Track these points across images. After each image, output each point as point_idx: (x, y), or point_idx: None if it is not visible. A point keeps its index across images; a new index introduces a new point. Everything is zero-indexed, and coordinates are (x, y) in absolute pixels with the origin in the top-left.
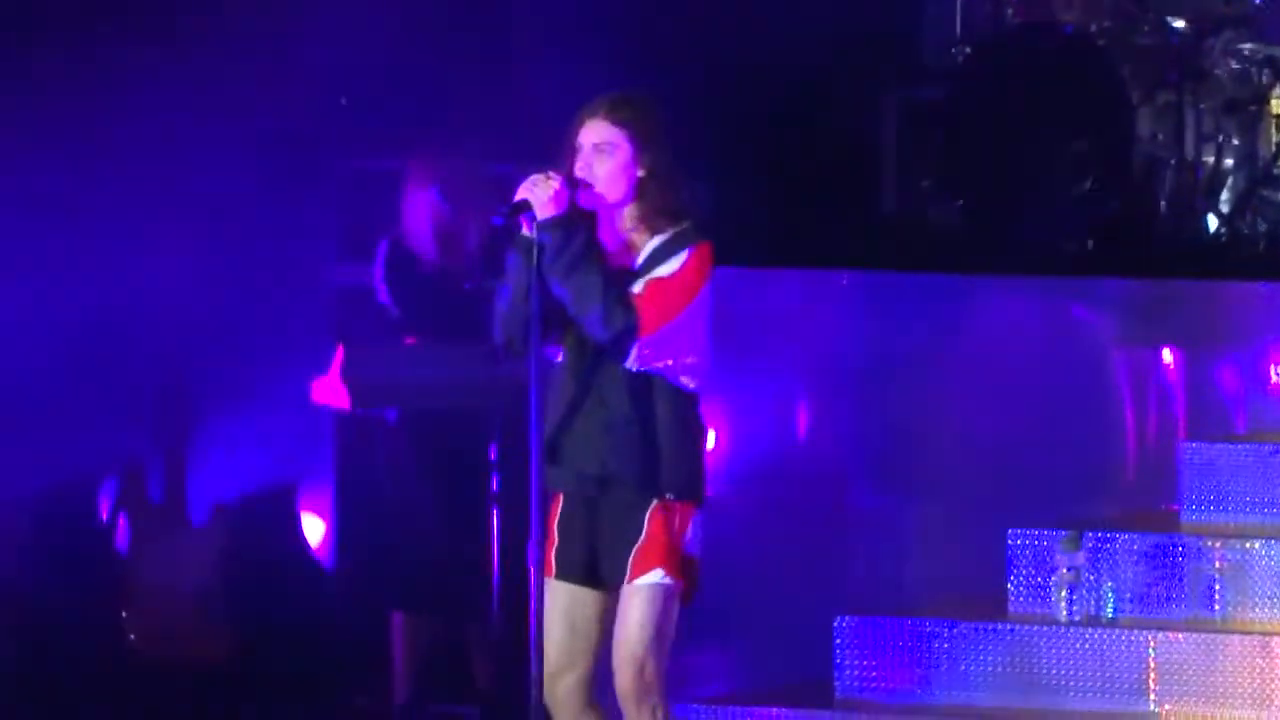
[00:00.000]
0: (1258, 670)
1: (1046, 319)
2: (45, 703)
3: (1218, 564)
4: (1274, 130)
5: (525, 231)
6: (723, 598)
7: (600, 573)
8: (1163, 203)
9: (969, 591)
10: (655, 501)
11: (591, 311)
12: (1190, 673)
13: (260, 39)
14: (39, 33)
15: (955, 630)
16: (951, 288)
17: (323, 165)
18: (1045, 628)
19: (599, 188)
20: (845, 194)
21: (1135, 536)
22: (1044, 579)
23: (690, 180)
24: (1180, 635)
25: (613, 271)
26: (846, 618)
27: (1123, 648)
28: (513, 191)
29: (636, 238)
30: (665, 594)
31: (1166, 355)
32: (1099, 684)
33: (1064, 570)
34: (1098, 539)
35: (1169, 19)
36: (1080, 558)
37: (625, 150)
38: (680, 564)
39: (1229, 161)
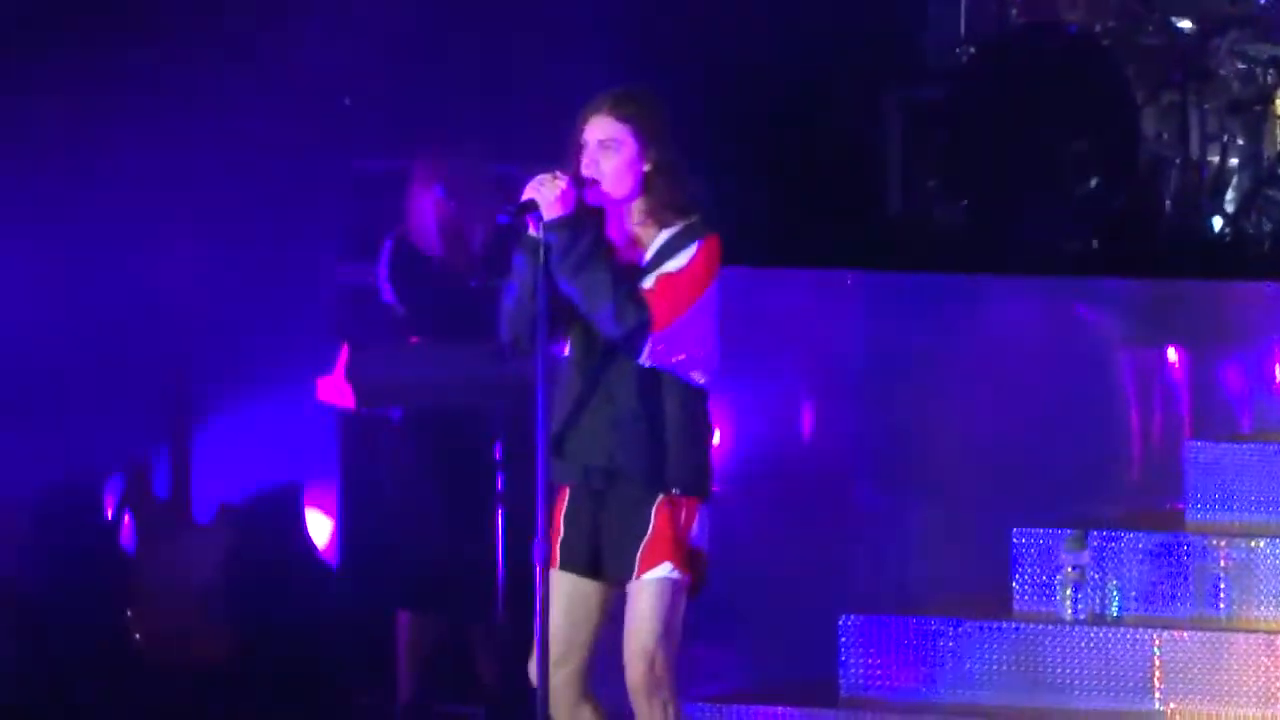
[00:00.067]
0: (1262, 669)
1: (1051, 319)
2: (49, 701)
3: (1223, 563)
4: (1279, 130)
5: (531, 231)
6: (727, 597)
7: (603, 566)
8: (1167, 203)
9: (974, 590)
10: (661, 496)
11: (603, 309)
12: (1195, 671)
13: (263, 38)
14: (41, 33)
15: (960, 629)
16: (956, 287)
17: (326, 165)
18: (1050, 626)
19: (605, 184)
20: (849, 194)
21: (1140, 535)
22: (1049, 578)
23: (695, 176)
24: (1185, 634)
25: (622, 267)
26: (851, 616)
27: (1128, 646)
28: (518, 190)
29: (644, 233)
30: (674, 588)
31: (1171, 354)
32: (1104, 683)
33: (1069, 569)
34: (1103, 538)
35: (1174, 19)
36: (1085, 557)
37: (630, 146)
38: (687, 557)
39: (1234, 161)
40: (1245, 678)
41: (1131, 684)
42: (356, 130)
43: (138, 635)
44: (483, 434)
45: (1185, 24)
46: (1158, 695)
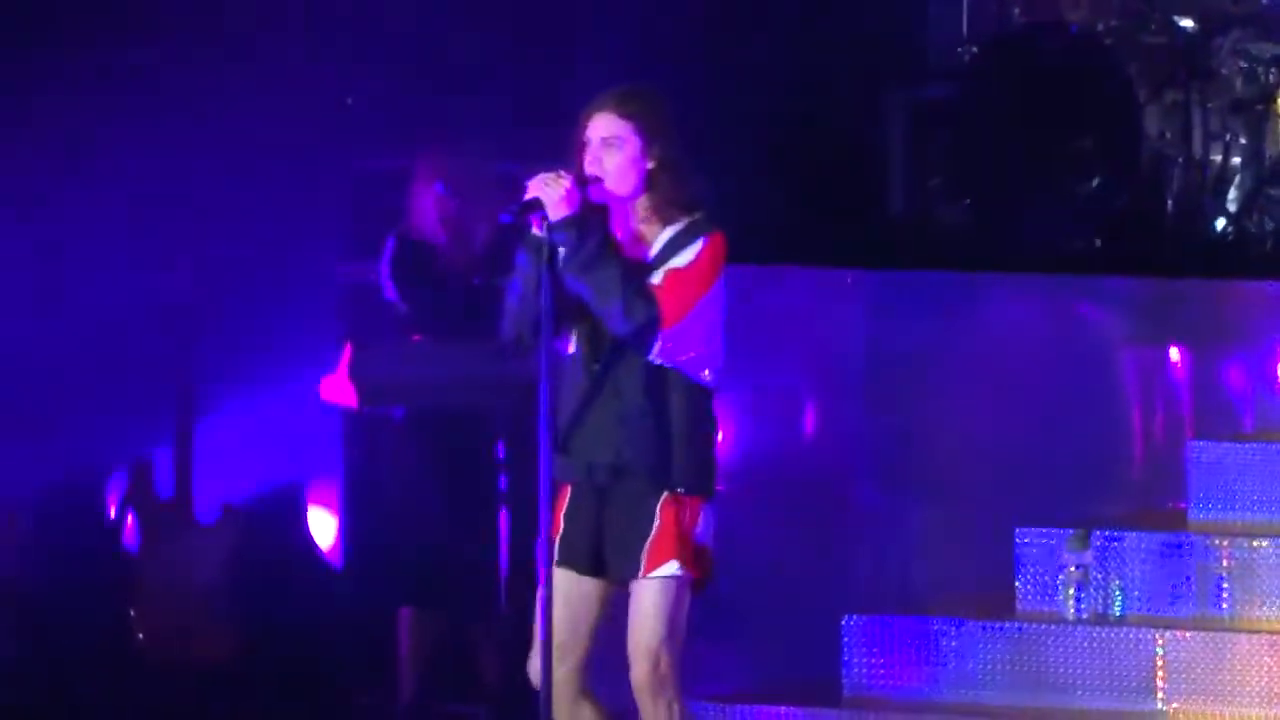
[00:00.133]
0: (1265, 668)
1: (1053, 318)
2: (51, 700)
3: (1225, 562)
4: None
5: (535, 230)
6: (730, 596)
7: (604, 563)
8: (1170, 201)
9: (976, 590)
10: (666, 494)
11: (612, 306)
12: (1198, 671)
13: (263, 38)
14: (42, 32)
15: (963, 629)
16: (958, 286)
17: (328, 163)
18: (1053, 626)
19: (608, 182)
20: (852, 193)
21: (1143, 535)
22: (1052, 577)
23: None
24: (1188, 634)
25: (630, 265)
26: (854, 616)
27: (1130, 646)
28: (519, 189)
29: (648, 230)
30: (679, 585)
31: (1174, 354)
32: (1107, 682)
33: (1072, 569)
34: (1105, 538)
35: (1176, 18)
36: (1088, 556)
37: (634, 143)
38: (693, 555)
39: (1236, 160)
40: (1248, 678)
41: (1134, 684)
42: (357, 130)
43: (140, 634)
44: (485, 433)
45: (1187, 23)
46: (1160, 695)
